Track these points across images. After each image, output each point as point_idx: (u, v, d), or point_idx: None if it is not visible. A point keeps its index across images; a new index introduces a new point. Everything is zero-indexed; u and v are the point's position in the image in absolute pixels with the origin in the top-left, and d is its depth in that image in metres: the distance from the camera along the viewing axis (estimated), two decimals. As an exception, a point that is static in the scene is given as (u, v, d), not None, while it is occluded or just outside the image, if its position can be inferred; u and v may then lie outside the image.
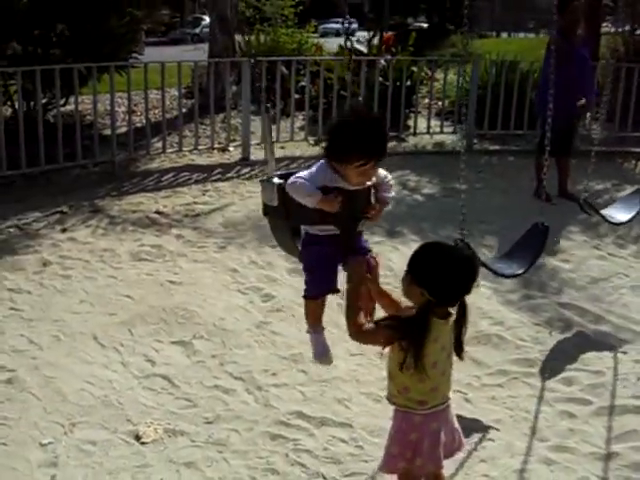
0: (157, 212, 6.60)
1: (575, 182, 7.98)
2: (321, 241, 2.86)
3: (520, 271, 4.36)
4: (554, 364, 4.41)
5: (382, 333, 2.63)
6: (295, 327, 4.72)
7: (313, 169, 2.80)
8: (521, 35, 35.53)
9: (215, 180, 7.52)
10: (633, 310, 5.14)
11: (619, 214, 5.26)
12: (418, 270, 2.57)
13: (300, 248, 2.99)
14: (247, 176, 7.84)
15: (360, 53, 10.10)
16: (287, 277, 5.42)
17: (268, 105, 3.61)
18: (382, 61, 9.66)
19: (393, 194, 2.97)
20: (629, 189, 8.15)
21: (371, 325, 2.67)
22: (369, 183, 2.84)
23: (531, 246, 4.60)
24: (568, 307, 5.17)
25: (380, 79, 9.00)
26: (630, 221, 5.30)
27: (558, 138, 7.41)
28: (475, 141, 9.51)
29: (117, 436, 3.49)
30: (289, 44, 10.53)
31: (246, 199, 7.07)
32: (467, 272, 2.60)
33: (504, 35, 37.45)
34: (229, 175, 7.77)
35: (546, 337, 4.74)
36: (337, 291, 2.92)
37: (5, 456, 3.33)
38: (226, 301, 4.97)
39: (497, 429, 3.73)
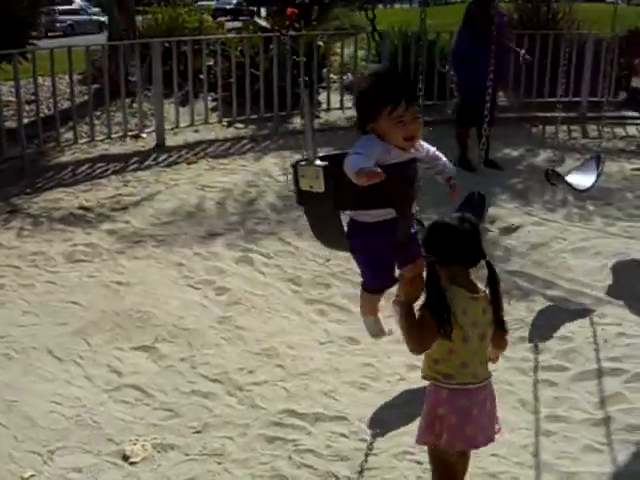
0: (81, 207, 6.14)
1: (493, 150, 8.11)
2: (373, 229, 2.72)
3: None
4: (521, 333, 4.42)
5: (429, 324, 2.54)
6: (259, 320, 4.52)
7: (363, 142, 2.65)
8: (396, 6, 36.08)
9: (134, 170, 7.10)
10: (578, 273, 5.23)
11: (582, 181, 5.32)
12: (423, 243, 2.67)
13: (347, 239, 2.79)
14: (166, 163, 7.45)
15: (265, 29, 9.82)
16: (235, 267, 5.19)
17: (306, 78, 3.26)
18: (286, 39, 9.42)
19: (451, 165, 2.94)
20: (543, 154, 8.39)
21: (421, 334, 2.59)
22: (413, 151, 2.72)
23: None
24: (517, 275, 5.22)
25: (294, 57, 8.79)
26: (592, 187, 5.38)
27: (480, 108, 7.48)
28: (387, 114, 9.46)
29: (103, 459, 3.18)
30: (189, 23, 10.11)
31: (172, 187, 6.70)
32: (463, 235, 2.59)
33: (379, 6, 37.80)
34: (147, 163, 7.36)
35: (506, 307, 4.70)
36: (396, 282, 2.84)
37: (-16, 497, 2.99)
38: (180, 298, 4.68)
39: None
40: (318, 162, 2.64)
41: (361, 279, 2.92)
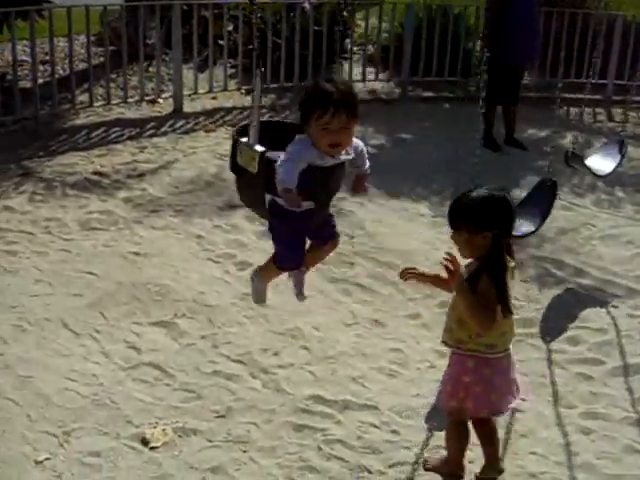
0: (96, 173, 5.91)
1: (517, 130, 7.88)
2: (293, 215, 2.76)
3: (532, 229, 4.17)
4: (553, 323, 4.28)
5: (492, 297, 2.56)
6: (282, 298, 4.30)
7: (297, 147, 2.66)
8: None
9: (150, 135, 6.85)
10: (608, 262, 5.07)
11: (602, 165, 5.10)
12: (479, 218, 2.63)
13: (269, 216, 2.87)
14: (183, 130, 7.18)
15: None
16: (257, 241, 4.98)
17: (262, 69, 3.30)
18: (306, 5, 9.12)
19: (368, 164, 2.92)
20: (569, 136, 8.13)
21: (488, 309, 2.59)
22: (345, 156, 2.74)
23: (540, 202, 4.40)
24: (548, 261, 5.06)
25: (315, 27, 8.50)
26: (613, 172, 5.17)
27: (507, 86, 7.27)
28: (409, 88, 9.20)
29: (121, 442, 3.01)
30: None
31: (190, 155, 6.46)
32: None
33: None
34: (164, 129, 7.09)
35: (537, 295, 4.58)
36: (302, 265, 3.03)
37: (-2, 480, 2.81)
38: (200, 272, 4.49)
39: (523, 398, 3.51)
40: (258, 147, 2.70)
41: (273, 254, 3.03)
